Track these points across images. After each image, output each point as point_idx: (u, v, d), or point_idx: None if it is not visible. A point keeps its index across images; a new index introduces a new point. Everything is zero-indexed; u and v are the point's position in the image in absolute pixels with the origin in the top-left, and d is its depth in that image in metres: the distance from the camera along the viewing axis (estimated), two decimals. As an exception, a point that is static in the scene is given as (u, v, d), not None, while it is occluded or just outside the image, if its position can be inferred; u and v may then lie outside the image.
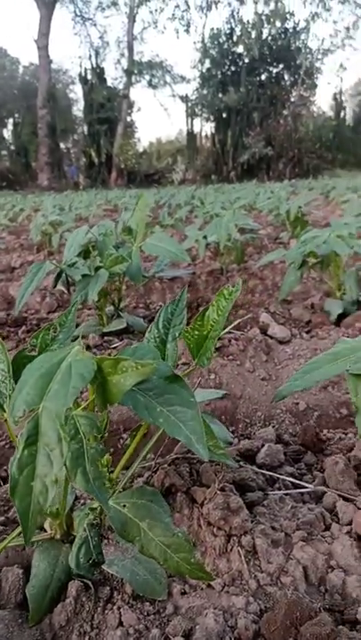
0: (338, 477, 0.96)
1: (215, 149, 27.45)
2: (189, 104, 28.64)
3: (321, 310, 2.11)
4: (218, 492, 0.86)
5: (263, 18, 27.47)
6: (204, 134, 29.30)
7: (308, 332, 2.04)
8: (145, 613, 0.73)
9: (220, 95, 27.36)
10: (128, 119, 29.07)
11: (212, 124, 28.67)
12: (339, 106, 27.27)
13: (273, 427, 1.46)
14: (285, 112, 26.31)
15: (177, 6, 30.13)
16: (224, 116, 27.63)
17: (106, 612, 0.73)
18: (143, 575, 0.75)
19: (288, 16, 27.66)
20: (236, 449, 1.10)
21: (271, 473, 1.01)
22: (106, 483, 0.58)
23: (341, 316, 2.01)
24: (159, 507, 0.70)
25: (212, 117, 28.61)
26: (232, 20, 28.43)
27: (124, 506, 0.70)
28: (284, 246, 4.35)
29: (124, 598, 0.75)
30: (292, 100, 27.86)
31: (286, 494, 0.95)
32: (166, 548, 0.67)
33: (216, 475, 0.93)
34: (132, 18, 28.93)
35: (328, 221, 5.80)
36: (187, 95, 29.45)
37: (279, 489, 0.98)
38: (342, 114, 27.48)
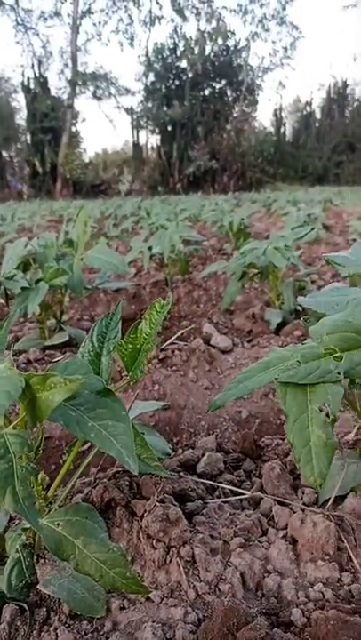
0: (274, 482, 0.99)
1: (161, 161, 27.74)
2: (135, 116, 28.83)
3: (262, 320, 2.17)
4: (157, 503, 0.86)
5: (205, 35, 28.22)
6: (150, 146, 29.55)
7: (249, 341, 2.10)
8: (82, 632, 0.71)
9: (165, 108, 27.74)
10: (73, 129, 28.80)
11: (158, 137, 29.00)
12: (279, 122, 28.37)
13: (216, 435, 1.48)
14: (228, 127, 27.04)
15: (120, 20, 30.35)
16: (169, 128, 28.01)
17: (42, 634, 0.71)
18: (81, 593, 0.73)
19: (229, 34, 28.59)
20: (178, 459, 1.11)
21: (211, 482, 1.02)
22: (36, 502, 0.57)
23: (281, 325, 2.08)
24: (94, 523, 0.69)
25: (157, 130, 28.92)
26: (175, 36, 29.02)
27: (59, 524, 0.69)
28: (227, 257, 4.45)
29: (62, 619, 0.73)
30: (235, 115, 28.70)
31: (225, 502, 0.97)
32: (102, 564, 0.67)
33: (156, 487, 0.93)
34: (75, 29, 28.82)
35: (269, 233, 6.02)
36: (132, 107, 29.62)
37: (218, 497, 1.00)
38: (282, 129, 28.61)
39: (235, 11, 29.93)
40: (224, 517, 0.91)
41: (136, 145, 28.86)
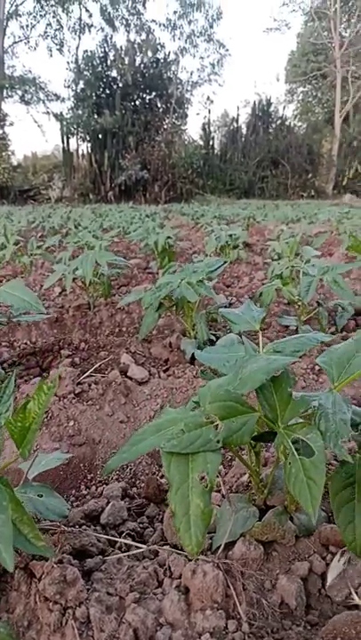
0: (173, 529, 1.04)
1: (92, 169, 27.46)
2: (65, 122, 28.32)
3: (178, 349, 2.24)
4: (55, 565, 0.88)
5: (135, 46, 28.43)
6: (80, 153, 29.14)
7: (165, 371, 2.16)
8: None
9: (96, 116, 27.57)
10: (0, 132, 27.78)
11: (89, 144, 28.71)
12: (207, 135, 29.12)
13: (130, 470, 1.52)
14: (159, 138, 27.34)
15: (49, 24, 29.84)
16: (100, 136, 27.83)
17: None
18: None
19: (159, 47, 29.02)
20: (82, 510, 1.13)
21: (112, 535, 1.05)
22: None
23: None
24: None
25: (88, 137, 28.63)
26: (106, 45, 28.97)
27: None
28: (153, 276, 4.52)
29: None
30: (165, 127, 29.10)
31: (125, 553, 1.00)
32: (-11, 644, 0.68)
33: (56, 545, 0.95)
34: (1, 30, 27.91)
35: (196, 249, 6.17)
36: (61, 113, 29.12)
37: (120, 548, 1.03)
38: (211, 143, 29.39)
39: (164, 25, 30.48)
40: (122, 572, 0.95)
41: (66, 151, 28.33)
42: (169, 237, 4.85)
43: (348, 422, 0.80)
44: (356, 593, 0.91)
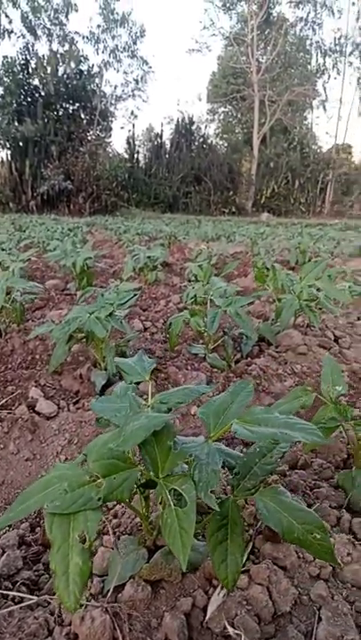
0: (67, 576, 1.08)
1: (12, 177, 26.57)
2: (-18, 128, 27.22)
3: (88, 380, 2.27)
4: None
5: (58, 56, 28.10)
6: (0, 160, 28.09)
7: (75, 403, 2.18)
8: None
9: (16, 124, 26.79)
10: None
11: (8, 151, 27.79)
12: (132, 149, 29.37)
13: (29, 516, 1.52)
14: (83, 149, 27.11)
15: (-35, 26, 28.65)
16: (21, 144, 27.07)
17: None
18: None
19: (82, 59, 28.90)
20: (-24, 562, 1.14)
21: (5, 586, 1.07)
22: None
23: (106, 386, 2.21)
24: None
25: (7, 144, 27.71)
26: (27, 52, 28.33)
27: None
28: (71, 298, 4.49)
29: None
30: (89, 138, 28.93)
31: (18, 605, 1.03)
32: None
33: None
34: None
35: (117, 269, 6.21)
36: (-21, 118, 27.94)
37: (13, 599, 1.05)
38: (136, 157, 29.65)
39: (87, 37, 30.43)
40: (12, 624, 0.97)
41: (-17, 158, 27.21)
42: (88, 258, 4.86)
43: (217, 472, 0.90)
44: (233, 623, 1.00)
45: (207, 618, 1.01)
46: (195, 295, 3.04)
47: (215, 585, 1.08)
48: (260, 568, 1.08)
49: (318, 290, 2.89)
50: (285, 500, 0.95)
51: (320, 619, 1.03)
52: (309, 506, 1.38)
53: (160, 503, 0.91)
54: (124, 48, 31.28)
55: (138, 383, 1.29)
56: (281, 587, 1.06)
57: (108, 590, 1.02)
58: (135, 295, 2.30)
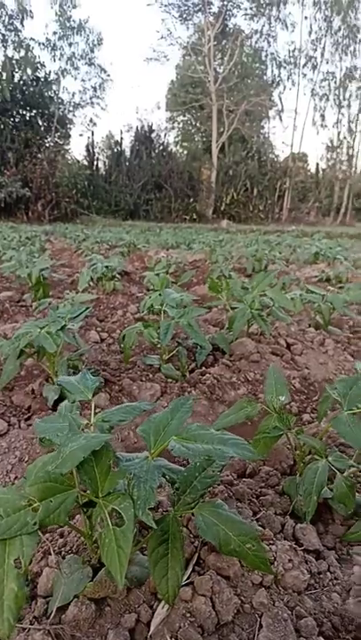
0: (11, 600, 1.07)
1: (-33, 184, 25.92)
2: None
3: (41, 395, 2.25)
4: None
5: (14, 62, 27.68)
6: None
7: (27, 420, 2.15)
8: None
9: (-29, 130, 26.22)
10: None
11: None
12: (92, 157, 29.22)
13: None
14: (41, 156, 26.75)
15: None
16: (-25, 151, 26.49)
17: None
18: None
19: (39, 66, 28.59)
20: None
21: None
22: None
23: (58, 401, 2.19)
24: None
25: None
26: (-19, 57, 27.78)
27: None
28: (26, 309, 4.43)
29: None
30: (48, 145, 28.60)
31: None
32: None
33: None
34: None
35: (75, 278, 6.15)
36: None
37: None
38: (96, 164, 29.52)
39: (43, 44, 30.14)
40: None
41: None
42: (45, 269, 4.80)
43: (155, 489, 0.92)
44: (177, 636, 1.02)
45: (150, 632, 1.03)
46: (151, 305, 3.06)
47: (160, 599, 1.10)
48: (203, 579, 1.10)
49: (272, 299, 2.97)
50: (223, 513, 0.98)
51: (261, 626, 1.06)
52: (255, 513, 1.42)
53: (99, 523, 0.92)
54: (82, 56, 31.19)
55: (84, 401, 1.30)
56: (224, 597, 1.09)
57: (52, 612, 1.02)
58: (87, 309, 2.30)
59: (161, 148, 30.68)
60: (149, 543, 0.99)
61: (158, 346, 2.67)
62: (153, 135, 30.44)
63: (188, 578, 1.13)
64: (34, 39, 31.77)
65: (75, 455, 0.91)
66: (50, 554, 1.19)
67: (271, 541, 1.27)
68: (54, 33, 30.45)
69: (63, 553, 1.21)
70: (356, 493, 1.47)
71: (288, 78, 34.04)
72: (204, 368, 2.75)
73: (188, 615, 1.06)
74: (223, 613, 1.07)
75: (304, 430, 2.07)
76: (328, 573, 1.26)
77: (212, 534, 0.95)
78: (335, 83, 33.80)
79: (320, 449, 1.35)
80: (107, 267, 5.15)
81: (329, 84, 34.06)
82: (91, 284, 5.16)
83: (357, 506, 1.43)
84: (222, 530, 0.95)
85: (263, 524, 1.37)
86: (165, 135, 34.88)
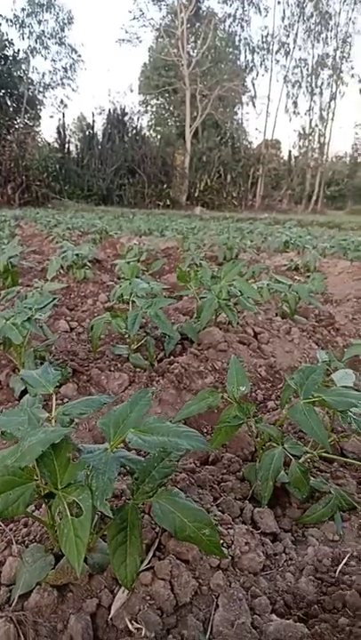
0: (-26, 590, 1.09)
1: None
2: None
3: (7, 386, 2.25)
4: None
5: (-20, 39, 26.70)
6: None
7: (-6, 411, 2.15)
8: None
9: None
10: None
11: None
12: (63, 139, 28.60)
13: None
14: (10, 137, 26.04)
15: None
16: None
17: None
18: None
19: (7, 44, 27.63)
20: None
21: None
22: None
23: (25, 392, 2.19)
24: None
25: None
26: None
27: None
28: (-6, 298, 4.36)
29: None
30: (17, 126, 27.84)
31: None
32: None
33: None
34: None
35: (45, 265, 6.07)
36: None
37: None
38: (67, 147, 28.91)
39: (11, 21, 29.11)
40: None
41: None
42: (13, 256, 4.73)
43: (113, 480, 0.95)
44: (136, 618, 1.07)
45: (111, 615, 1.07)
46: (121, 294, 3.07)
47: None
48: (162, 564, 1.15)
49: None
50: (179, 501, 1.02)
51: (217, 606, 1.11)
52: (215, 499, 1.48)
53: (58, 514, 0.95)
54: (52, 34, 30.30)
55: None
56: (182, 580, 1.14)
57: (14, 599, 1.05)
58: (55, 299, 2.30)
59: (134, 132, 30.27)
60: (109, 531, 1.03)
61: (127, 336, 2.69)
62: (126, 118, 29.99)
63: (148, 563, 1.17)
64: (1, 15, 30.59)
65: (33, 449, 0.93)
66: (12, 543, 1.21)
67: (229, 525, 1.33)
68: (22, 9, 29.47)
69: (27, 542, 1.23)
70: (312, 478, 1.55)
71: (261, 64, 33.99)
72: (172, 357, 2.79)
73: (148, 598, 1.11)
74: (181, 595, 1.12)
75: (267, 417, 2.14)
76: (283, 555, 1.33)
77: (168, 521, 0.99)
78: (307, 70, 33.93)
79: (277, 436, 1.41)
80: (77, 254, 5.10)
81: (301, 71, 34.19)
82: (61, 272, 5.11)
83: (313, 490, 1.51)
84: (178, 517, 0.99)
85: (223, 510, 1.42)
86: (139, 119, 34.50)
